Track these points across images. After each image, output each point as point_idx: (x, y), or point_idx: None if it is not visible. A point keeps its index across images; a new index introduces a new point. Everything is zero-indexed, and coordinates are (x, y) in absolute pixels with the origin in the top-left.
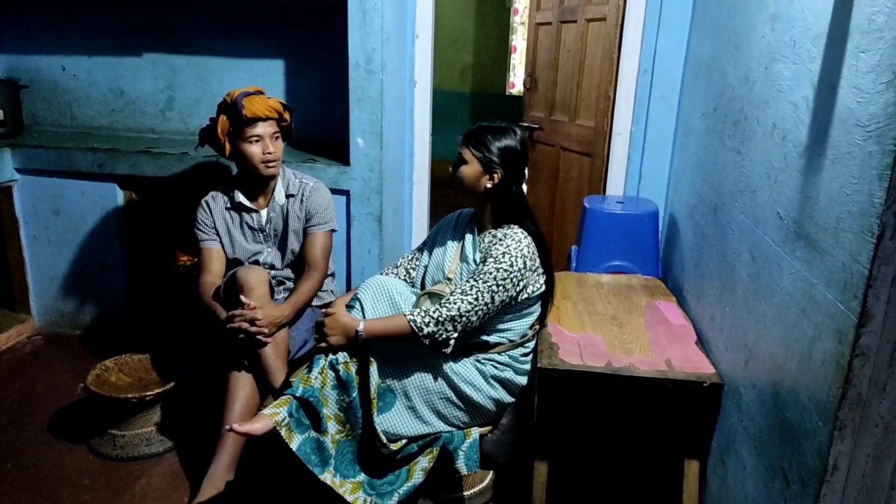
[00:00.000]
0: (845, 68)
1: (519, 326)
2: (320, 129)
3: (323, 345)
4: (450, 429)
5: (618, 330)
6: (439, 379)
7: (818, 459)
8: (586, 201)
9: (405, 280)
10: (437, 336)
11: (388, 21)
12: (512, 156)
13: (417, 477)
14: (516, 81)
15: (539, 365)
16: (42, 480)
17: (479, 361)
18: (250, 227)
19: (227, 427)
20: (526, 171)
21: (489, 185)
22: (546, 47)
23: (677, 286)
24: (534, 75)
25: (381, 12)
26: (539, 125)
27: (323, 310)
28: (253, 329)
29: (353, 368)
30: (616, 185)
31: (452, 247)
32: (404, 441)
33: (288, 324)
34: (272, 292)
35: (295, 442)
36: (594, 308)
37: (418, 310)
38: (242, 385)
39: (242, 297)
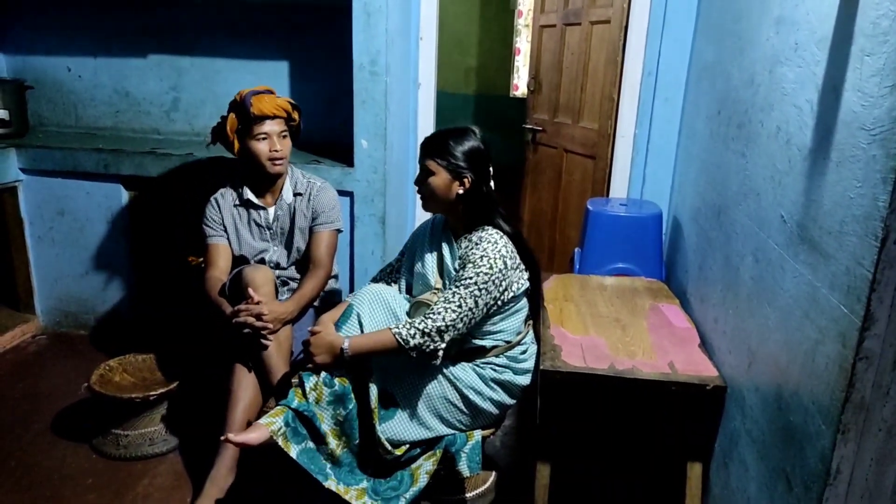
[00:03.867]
0: (850, 72)
1: (510, 326)
2: (324, 131)
3: (310, 365)
4: (452, 432)
5: (621, 332)
6: (440, 384)
7: (821, 463)
8: (589, 203)
9: None
10: (423, 348)
11: (393, 23)
12: (478, 156)
13: (422, 481)
14: (520, 84)
15: (541, 367)
16: (45, 479)
17: (477, 366)
18: (258, 225)
19: (223, 437)
20: (491, 169)
21: (461, 191)
22: (550, 50)
23: (681, 289)
24: (538, 77)
25: (386, 14)
26: (542, 127)
27: (308, 329)
28: (258, 324)
29: (347, 381)
30: (619, 187)
31: (431, 258)
32: (407, 446)
33: (292, 321)
34: (276, 293)
35: (293, 451)
36: (597, 310)
37: (404, 322)
38: (246, 386)
39: (249, 291)
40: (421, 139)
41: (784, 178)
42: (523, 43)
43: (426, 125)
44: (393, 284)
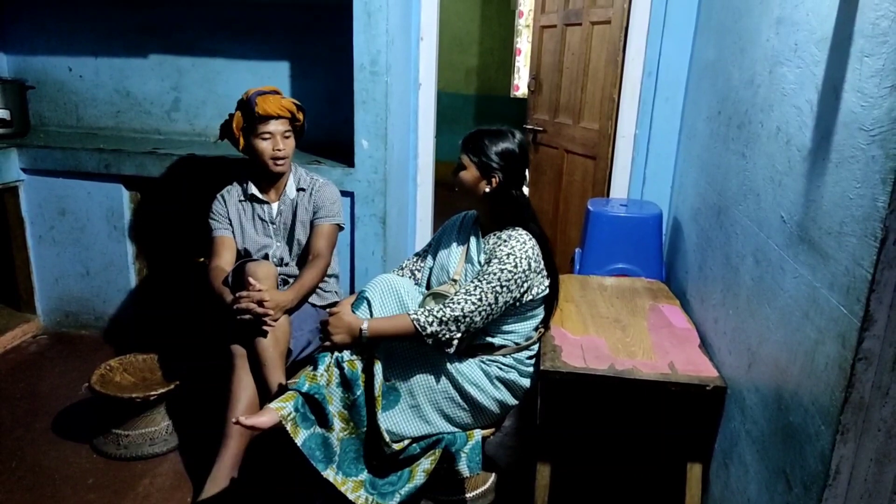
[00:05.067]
0: (849, 72)
1: (523, 329)
2: (325, 131)
3: (327, 343)
4: (453, 429)
5: (621, 333)
6: (444, 379)
7: (821, 463)
8: (590, 204)
9: None
10: (440, 336)
11: (393, 23)
12: (510, 159)
13: (419, 478)
14: (521, 84)
15: (542, 367)
16: (46, 479)
17: (483, 363)
18: (261, 219)
19: (234, 420)
20: (527, 174)
21: (487, 190)
22: (550, 50)
23: (681, 289)
24: (538, 78)
25: (387, 14)
26: (543, 127)
27: (327, 310)
28: (259, 310)
29: (358, 366)
30: (620, 187)
31: (457, 249)
32: (407, 441)
33: (291, 310)
34: (277, 288)
35: (300, 437)
36: (597, 311)
37: (422, 309)
38: (245, 385)
39: (250, 279)
40: (421, 139)
41: (784, 179)
42: (524, 43)
43: (427, 126)
44: (418, 272)
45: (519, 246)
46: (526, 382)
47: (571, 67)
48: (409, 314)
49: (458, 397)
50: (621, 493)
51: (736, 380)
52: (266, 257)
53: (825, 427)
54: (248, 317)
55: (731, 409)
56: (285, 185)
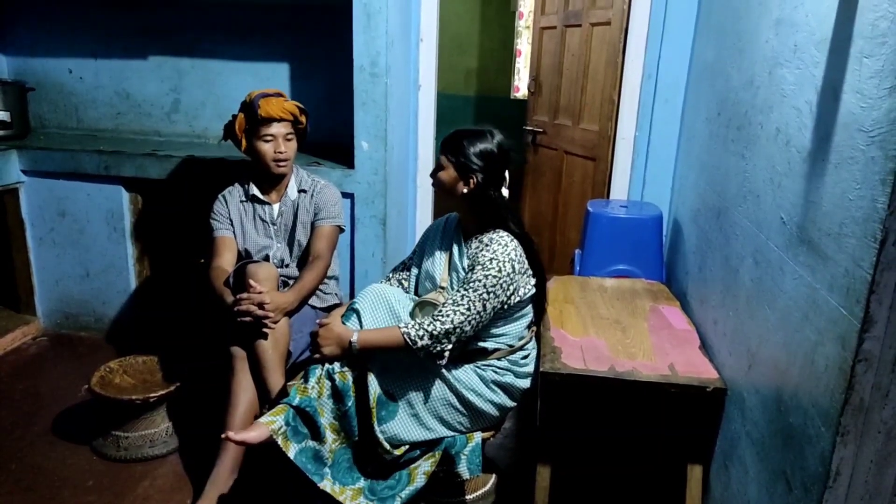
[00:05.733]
0: (848, 73)
1: (514, 330)
2: (325, 132)
3: (317, 356)
4: (452, 434)
5: (621, 334)
6: (441, 385)
7: (821, 465)
8: (590, 205)
9: None
10: (431, 349)
11: (393, 25)
12: (488, 159)
13: (419, 481)
14: (521, 85)
15: (542, 369)
16: (46, 481)
17: (479, 367)
18: (262, 220)
19: (224, 435)
20: (507, 175)
21: (465, 191)
22: (550, 51)
23: (681, 290)
24: (538, 79)
25: (386, 16)
26: (543, 129)
27: (317, 321)
28: (260, 312)
29: (349, 378)
30: (620, 189)
31: (441, 256)
32: (407, 446)
33: (292, 312)
34: (278, 290)
35: (292, 450)
36: (597, 312)
37: (413, 322)
38: (245, 388)
39: (251, 281)
40: (421, 141)
41: (783, 180)
42: (524, 45)
43: (426, 127)
44: (405, 281)
45: (501, 249)
46: (522, 384)
47: (571, 69)
48: (399, 327)
49: (457, 402)
50: (621, 495)
51: (736, 381)
52: (266, 258)
53: (825, 429)
54: (248, 319)
55: (731, 411)
56: (287, 186)
